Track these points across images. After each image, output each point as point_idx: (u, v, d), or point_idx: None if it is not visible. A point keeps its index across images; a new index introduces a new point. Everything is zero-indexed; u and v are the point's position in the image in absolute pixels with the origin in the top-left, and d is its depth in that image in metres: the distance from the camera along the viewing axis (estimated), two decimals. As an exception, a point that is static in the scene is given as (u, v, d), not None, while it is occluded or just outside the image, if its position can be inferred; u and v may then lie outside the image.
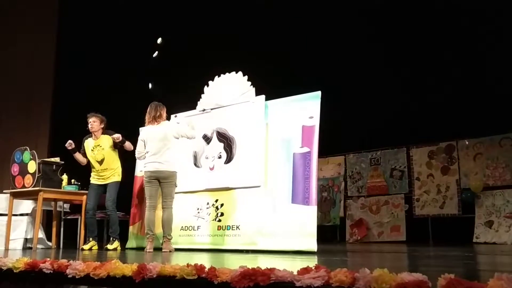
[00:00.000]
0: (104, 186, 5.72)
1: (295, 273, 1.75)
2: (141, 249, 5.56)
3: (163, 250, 4.96)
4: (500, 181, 7.30)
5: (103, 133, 5.77)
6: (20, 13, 8.38)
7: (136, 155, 5.38)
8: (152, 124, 5.21)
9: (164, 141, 5.10)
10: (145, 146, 5.22)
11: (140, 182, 5.95)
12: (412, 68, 7.57)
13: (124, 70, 8.50)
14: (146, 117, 5.26)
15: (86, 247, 5.52)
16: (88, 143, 5.78)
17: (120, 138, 5.62)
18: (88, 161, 5.79)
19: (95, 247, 5.59)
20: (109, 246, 5.50)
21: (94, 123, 5.69)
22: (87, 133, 5.82)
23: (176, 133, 5.18)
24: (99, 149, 5.71)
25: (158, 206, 5.26)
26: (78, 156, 5.74)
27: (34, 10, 8.45)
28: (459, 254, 4.14)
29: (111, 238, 5.61)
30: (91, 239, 5.62)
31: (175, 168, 5.15)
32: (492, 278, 1.42)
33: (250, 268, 1.84)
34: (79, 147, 5.79)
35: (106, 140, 5.73)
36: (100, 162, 5.68)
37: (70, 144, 5.63)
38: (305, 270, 1.75)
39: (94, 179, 5.75)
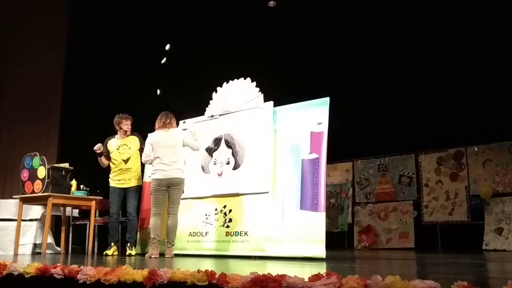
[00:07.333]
0: (125, 190, 5.75)
1: (306, 279, 1.75)
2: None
3: (166, 256, 4.99)
4: (510, 188, 7.24)
5: (130, 134, 5.88)
6: (30, 22, 8.45)
7: (143, 159, 5.31)
8: (162, 129, 5.20)
9: (174, 148, 5.09)
10: (152, 151, 5.18)
11: (149, 187, 5.95)
12: (421, 74, 7.55)
13: (132, 78, 8.55)
14: (157, 123, 5.23)
15: (109, 252, 5.55)
16: (112, 143, 5.83)
17: None
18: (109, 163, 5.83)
19: (116, 252, 5.63)
20: (132, 252, 5.59)
21: (129, 125, 5.83)
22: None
23: (183, 141, 5.19)
24: (125, 147, 5.78)
25: (163, 212, 5.26)
26: (103, 159, 5.76)
27: (44, 19, 8.52)
28: (469, 262, 4.11)
29: (129, 244, 5.66)
30: (112, 244, 5.66)
31: (184, 175, 5.15)
32: (505, 286, 1.42)
33: (261, 274, 1.84)
34: (93, 151, 5.79)
35: (134, 141, 5.84)
36: (126, 161, 5.75)
37: (99, 147, 5.67)
38: (316, 277, 1.74)
39: (114, 182, 5.76)
